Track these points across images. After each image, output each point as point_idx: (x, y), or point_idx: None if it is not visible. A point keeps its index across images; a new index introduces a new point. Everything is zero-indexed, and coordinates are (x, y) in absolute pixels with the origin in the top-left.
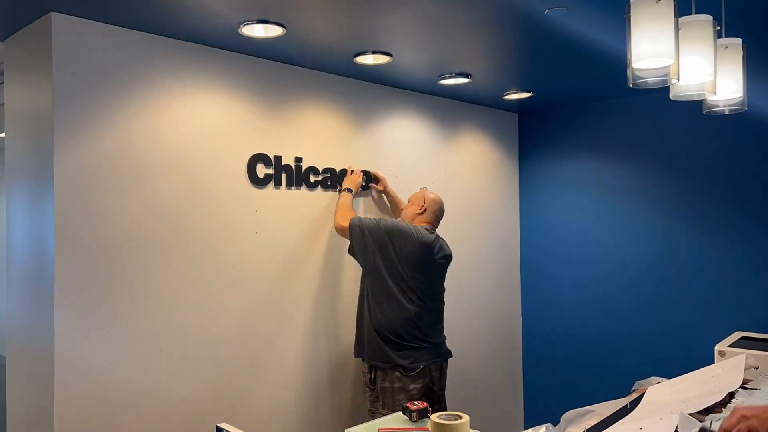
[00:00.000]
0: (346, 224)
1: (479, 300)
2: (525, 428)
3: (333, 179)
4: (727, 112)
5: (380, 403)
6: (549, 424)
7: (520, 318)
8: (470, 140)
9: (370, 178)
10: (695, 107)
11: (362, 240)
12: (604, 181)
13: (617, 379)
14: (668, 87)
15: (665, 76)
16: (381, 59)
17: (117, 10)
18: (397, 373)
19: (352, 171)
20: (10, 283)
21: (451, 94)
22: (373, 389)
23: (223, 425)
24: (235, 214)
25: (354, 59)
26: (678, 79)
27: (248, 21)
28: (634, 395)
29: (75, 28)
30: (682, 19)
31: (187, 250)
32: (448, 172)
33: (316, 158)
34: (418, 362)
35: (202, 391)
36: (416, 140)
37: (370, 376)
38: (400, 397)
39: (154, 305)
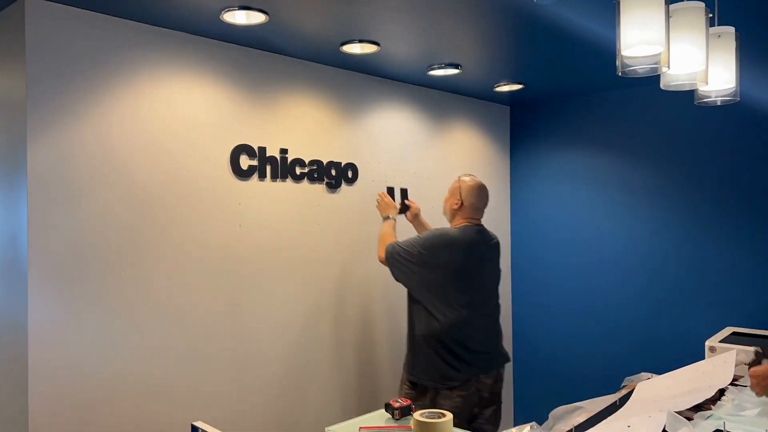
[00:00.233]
0: (383, 255)
1: None
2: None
3: (319, 171)
4: (719, 103)
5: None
6: (534, 423)
7: (510, 313)
8: (461, 133)
9: (405, 194)
10: (686, 99)
11: (400, 266)
12: (595, 174)
13: (607, 375)
14: (659, 77)
15: (655, 64)
16: (368, 48)
17: None
18: (457, 392)
19: (381, 195)
20: None
21: (441, 85)
22: (414, 390)
23: (198, 423)
24: (217, 207)
25: (340, 48)
26: (668, 68)
27: (230, 7)
28: (624, 391)
29: (50, 13)
30: (673, 6)
31: (168, 243)
32: (437, 165)
33: (302, 150)
34: (462, 374)
35: (180, 386)
36: (405, 132)
37: (431, 397)
38: (444, 402)
39: (131, 298)
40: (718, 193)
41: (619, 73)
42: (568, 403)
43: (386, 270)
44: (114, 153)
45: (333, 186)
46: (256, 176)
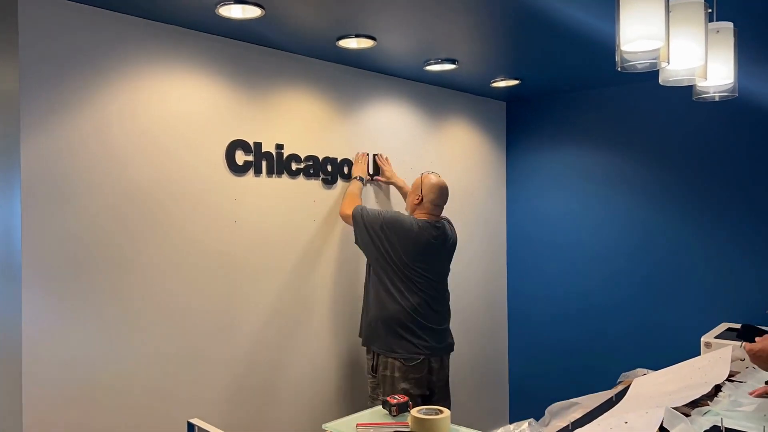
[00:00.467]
0: (350, 213)
1: (465, 292)
2: (510, 422)
3: (315, 167)
4: (717, 99)
5: (381, 389)
6: (532, 420)
7: (506, 310)
8: (457, 128)
9: (376, 168)
10: (684, 96)
11: (364, 230)
12: (591, 171)
13: (603, 371)
14: (657, 74)
15: (654, 59)
16: (365, 43)
17: None
18: (397, 363)
19: (359, 157)
20: None
21: (438, 80)
22: (375, 376)
23: (194, 421)
24: (212, 203)
25: (337, 43)
26: (668, 63)
27: (225, 1)
28: (620, 387)
29: (43, 6)
30: (673, 1)
31: (163, 239)
32: (434, 161)
33: (298, 145)
34: (417, 355)
35: (176, 384)
36: (401, 128)
37: (373, 363)
38: (401, 386)
39: (127, 295)
40: (714, 189)
41: (619, 68)
42: (564, 399)
43: None
44: (109, 149)
45: (329, 181)
46: (251, 172)
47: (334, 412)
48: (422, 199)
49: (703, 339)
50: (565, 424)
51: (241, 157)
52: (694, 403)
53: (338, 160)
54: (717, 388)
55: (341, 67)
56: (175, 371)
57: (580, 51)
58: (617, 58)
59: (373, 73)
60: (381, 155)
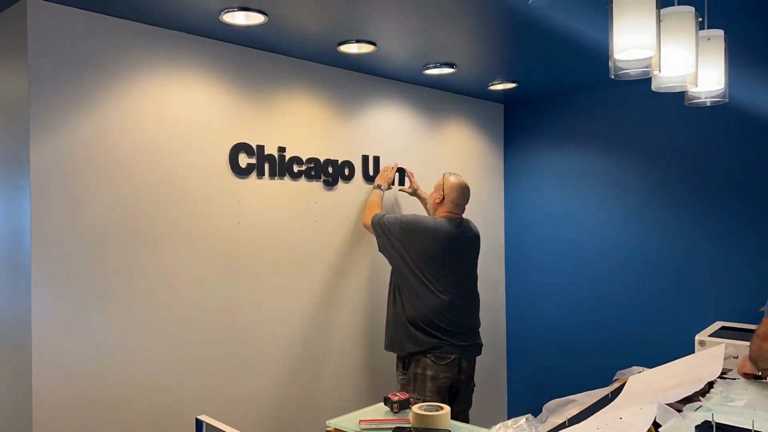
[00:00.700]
0: (369, 222)
1: None
2: (508, 418)
3: (317, 169)
4: (708, 104)
5: (411, 387)
6: (530, 415)
7: (504, 308)
8: (455, 131)
9: (403, 178)
10: (677, 98)
11: (384, 237)
12: (588, 172)
13: (599, 369)
14: (650, 79)
15: (647, 67)
16: (365, 48)
17: None
18: (429, 361)
19: (387, 167)
20: None
21: (436, 84)
22: (405, 374)
23: (202, 417)
24: (216, 205)
25: (338, 48)
26: (660, 71)
27: (229, 8)
28: (616, 385)
29: (51, 13)
30: (664, 11)
31: (168, 241)
32: (433, 163)
33: (300, 148)
34: (449, 354)
35: (183, 381)
36: (401, 130)
37: (404, 362)
38: (430, 385)
39: (133, 296)
40: (708, 189)
41: (612, 76)
42: (561, 397)
43: (383, 267)
44: (115, 152)
45: (330, 183)
46: (254, 174)
47: (337, 408)
48: (444, 198)
49: (697, 337)
50: (561, 421)
51: (244, 160)
52: (687, 399)
53: (339, 162)
54: (709, 385)
55: (342, 71)
56: (183, 368)
57: (576, 54)
58: (611, 66)
59: (373, 77)
60: (407, 169)
